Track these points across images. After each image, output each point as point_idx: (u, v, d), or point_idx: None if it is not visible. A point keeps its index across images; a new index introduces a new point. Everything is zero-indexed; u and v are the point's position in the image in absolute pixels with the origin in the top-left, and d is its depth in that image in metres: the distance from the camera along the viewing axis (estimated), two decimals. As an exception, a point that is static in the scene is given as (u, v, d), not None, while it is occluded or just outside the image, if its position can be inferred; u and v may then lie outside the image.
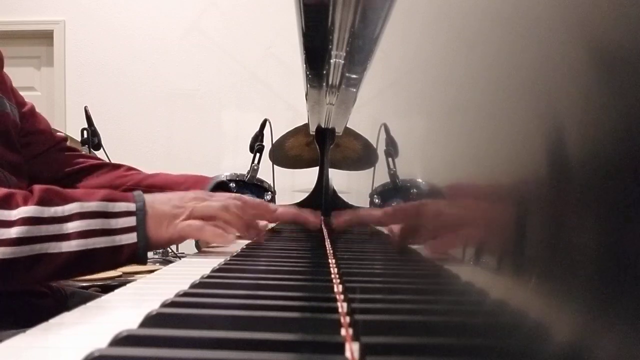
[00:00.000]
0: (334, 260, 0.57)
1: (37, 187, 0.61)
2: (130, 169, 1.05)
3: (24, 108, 0.90)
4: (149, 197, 0.65)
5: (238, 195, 0.77)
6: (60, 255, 0.58)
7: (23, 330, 0.31)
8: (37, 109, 0.95)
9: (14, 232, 0.56)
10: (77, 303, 0.38)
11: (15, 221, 0.56)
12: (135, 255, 0.62)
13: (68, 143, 1.01)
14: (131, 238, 0.61)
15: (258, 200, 0.84)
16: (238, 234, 0.71)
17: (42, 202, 0.59)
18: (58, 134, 0.99)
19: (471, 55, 0.25)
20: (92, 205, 0.61)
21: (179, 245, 1.20)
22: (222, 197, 0.72)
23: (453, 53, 0.29)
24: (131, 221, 0.62)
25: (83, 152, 1.09)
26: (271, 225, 0.93)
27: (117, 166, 1.04)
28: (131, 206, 0.63)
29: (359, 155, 0.90)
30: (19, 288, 0.74)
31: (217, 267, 0.52)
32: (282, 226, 1.00)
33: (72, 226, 0.59)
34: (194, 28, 3.39)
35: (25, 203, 0.58)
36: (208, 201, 0.69)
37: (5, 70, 0.87)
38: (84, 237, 0.59)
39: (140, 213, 0.63)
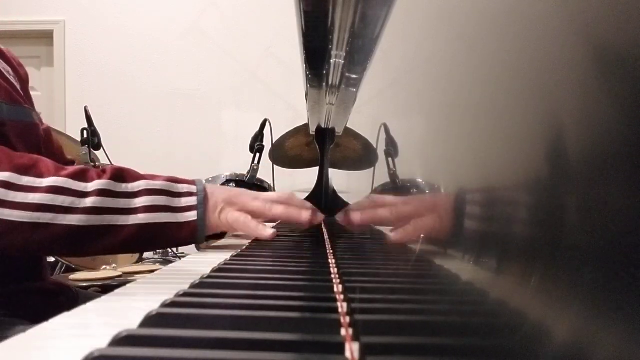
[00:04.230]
0: (334, 260, 0.57)
1: (109, 167, 0.68)
2: None
3: (42, 126, 0.90)
4: (209, 185, 0.73)
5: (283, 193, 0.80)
6: (127, 227, 0.64)
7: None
8: (37, 109, 0.94)
9: (89, 201, 0.62)
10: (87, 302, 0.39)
11: (90, 192, 0.63)
12: (195, 233, 0.67)
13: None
14: (192, 216, 0.68)
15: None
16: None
17: (115, 178, 0.65)
18: (69, 157, 0.99)
19: (471, 55, 0.25)
20: (158, 184, 0.68)
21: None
22: (270, 197, 0.76)
23: (453, 53, 0.29)
24: (192, 200, 0.69)
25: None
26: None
27: None
28: (192, 188, 0.70)
29: (359, 155, 0.90)
30: (88, 256, 0.85)
31: (217, 267, 0.52)
32: (281, 226, 1.00)
33: (139, 201, 0.66)
34: (194, 28, 3.39)
35: (100, 178, 0.64)
36: (258, 200, 0.74)
37: None
38: (149, 211, 0.66)
39: (201, 194, 0.69)
